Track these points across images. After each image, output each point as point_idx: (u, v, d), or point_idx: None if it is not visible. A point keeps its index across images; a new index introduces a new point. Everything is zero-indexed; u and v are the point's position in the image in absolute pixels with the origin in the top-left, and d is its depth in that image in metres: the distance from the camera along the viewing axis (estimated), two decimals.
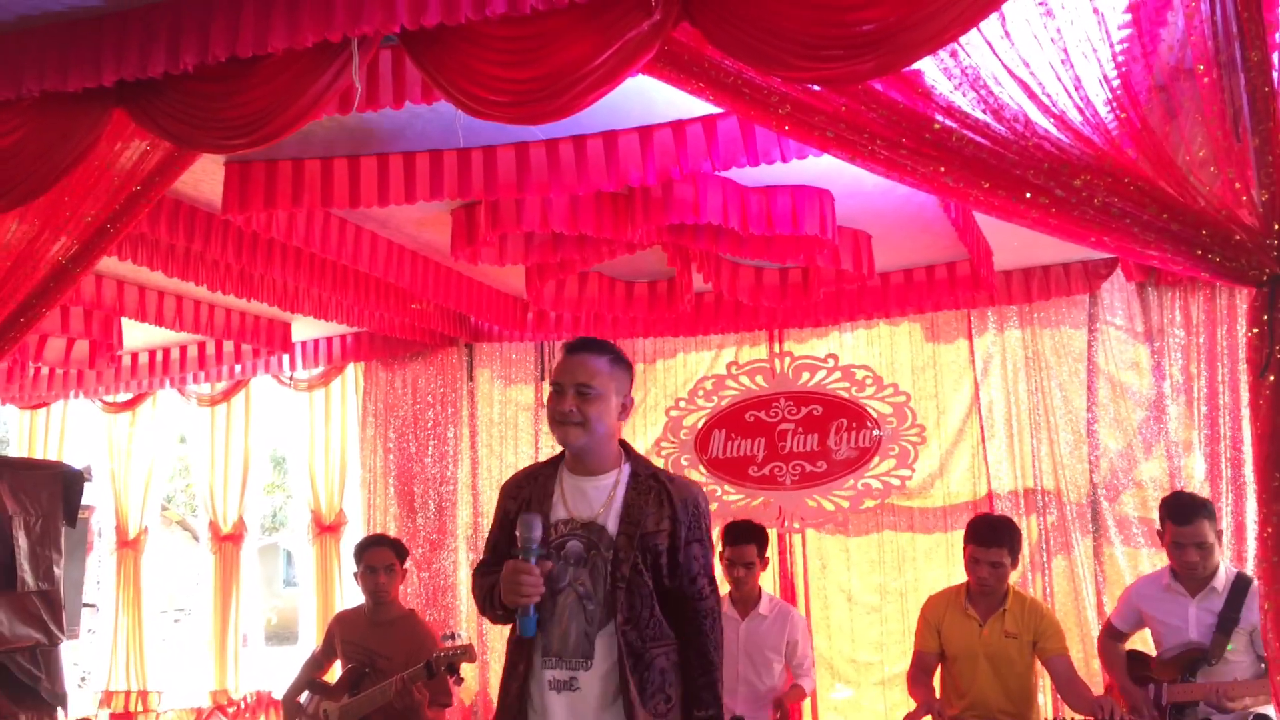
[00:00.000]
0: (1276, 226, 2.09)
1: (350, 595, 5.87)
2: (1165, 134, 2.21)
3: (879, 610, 5.53)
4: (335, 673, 4.55)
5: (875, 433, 5.50)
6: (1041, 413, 5.32)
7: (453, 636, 4.01)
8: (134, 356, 6.09)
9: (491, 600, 2.67)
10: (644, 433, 5.98)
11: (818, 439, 5.60)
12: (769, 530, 4.96)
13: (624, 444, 2.79)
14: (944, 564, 5.37)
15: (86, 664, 7.14)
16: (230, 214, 3.47)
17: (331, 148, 3.36)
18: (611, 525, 2.61)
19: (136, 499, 6.98)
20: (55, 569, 4.88)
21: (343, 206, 3.36)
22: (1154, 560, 4.96)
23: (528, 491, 2.76)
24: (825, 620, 5.57)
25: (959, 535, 4.29)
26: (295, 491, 6.80)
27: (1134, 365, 5.21)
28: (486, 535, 2.94)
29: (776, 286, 4.76)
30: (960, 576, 4.23)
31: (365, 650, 4.36)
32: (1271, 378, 2.09)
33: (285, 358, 6.08)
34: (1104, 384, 5.24)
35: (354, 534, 6.35)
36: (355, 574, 4.47)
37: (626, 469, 2.70)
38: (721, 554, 4.66)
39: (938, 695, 4.24)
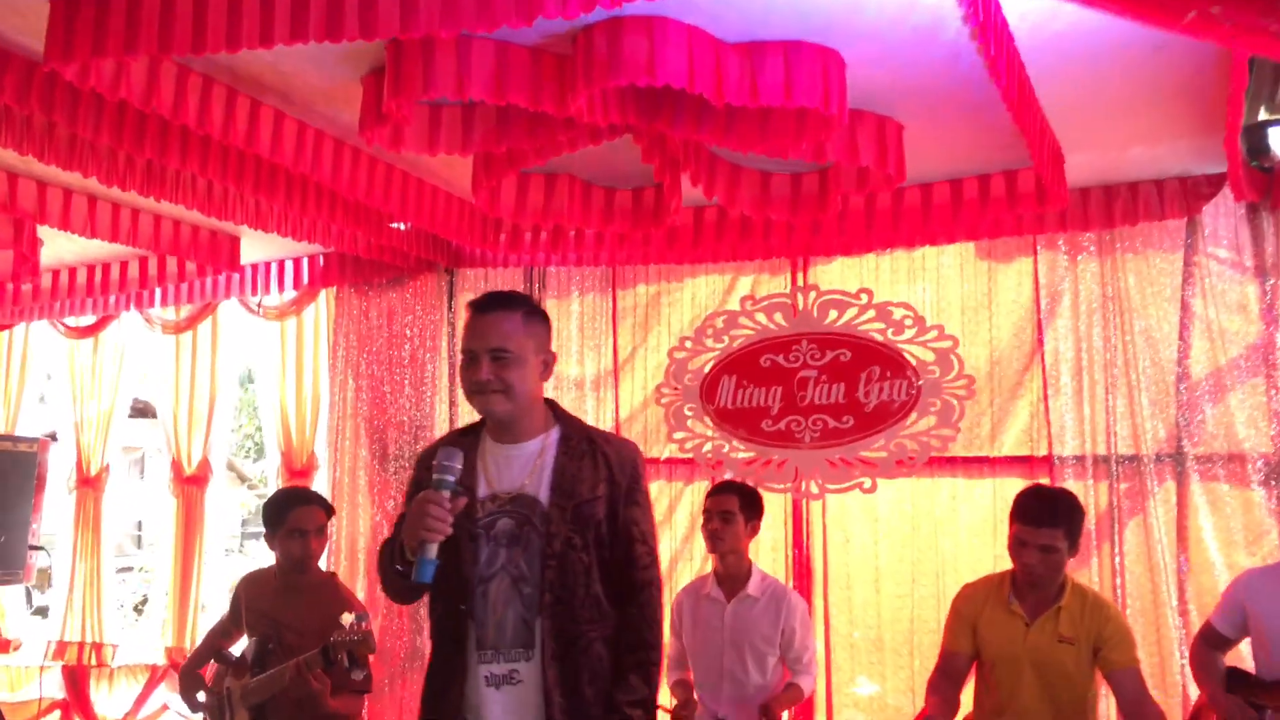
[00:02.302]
0: None
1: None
2: None
3: (910, 594, 4.65)
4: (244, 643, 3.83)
5: (915, 383, 4.58)
6: (1120, 364, 4.35)
7: (358, 618, 3.24)
8: (71, 274, 5.43)
9: (394, 557, 2.32)
10: (643, 376, 5.15)
11: (844, 389, 4.70)
12: (778, 494, 4.14)
13: (551, 404, 2.53)
14: (990, 542, 4.46)
15: (50, 612, 6.61)
16: (54, 64, 2.69)
17: None
18: (544, 496, 2.37)
19: (96, 432, 6.38)
20: None
21: (184, 52, 2.55)
22: (1255, 551, 3.99)
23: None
24: (847, 603, 4.70)
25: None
26: (266, 432, 6.07)
27: (1239, 307, 4.20)
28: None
29: (788, 196, 3.84)
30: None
31: (271, 620, 3.63)
32: None
33: (246, 280, 5.36)
34: (1199, 329, 4.23)
35: (322, 481, 5.65)
36: (270, 537, 3.69)
37: (556, 432, 2.46)
38: (703, 510, 3.93)
39: (965, 708, 3.37)
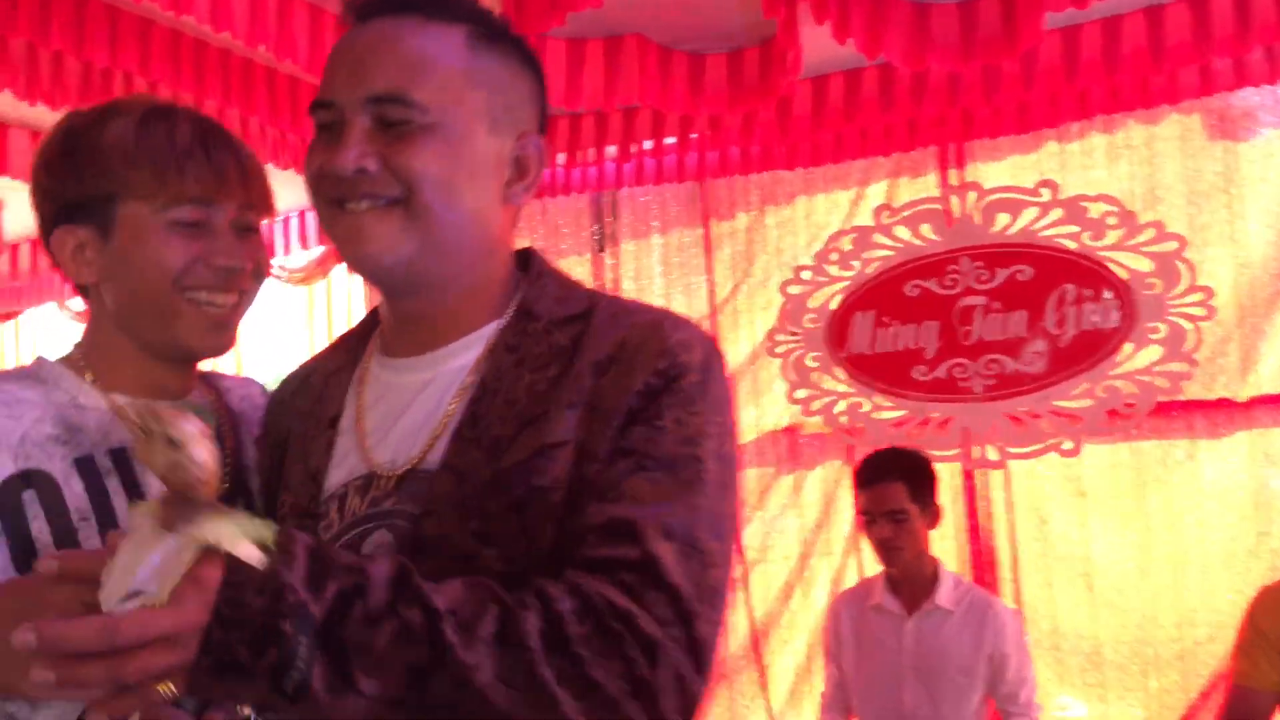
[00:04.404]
0: None
1: None
2: None
3: (1136, 590, 3.43)
4: None
5: (1129, 302, 3.33)
6: None
7: None
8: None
9: None
10: (749, 319, 4.01)
11: (1026, 319, 3.48)
12: (941, 463, 3.00)
13: (530, 261, 1.12)
14: (1251, 516, 3.23)
15: None
16: None
17: None
18: (439, 461, 1.01)
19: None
20: None
21: None
22: None
23: (286, 424, 1.17)
24: (1048, 604, 3.52)
25: None
26: None
27: None
28: None
29: (956, 35, 2.63)
30: None
31: None
32: None
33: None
34: None
35: None
36: None
37: (506, 319, 1.06)
38: (857, 509, 2.78)
39: None
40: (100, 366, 1.18)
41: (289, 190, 3.73)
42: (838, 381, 3.74)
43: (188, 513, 0.78)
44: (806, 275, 3.81)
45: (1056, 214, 3.45)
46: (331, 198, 1.01)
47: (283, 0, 2.56)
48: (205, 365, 1.28)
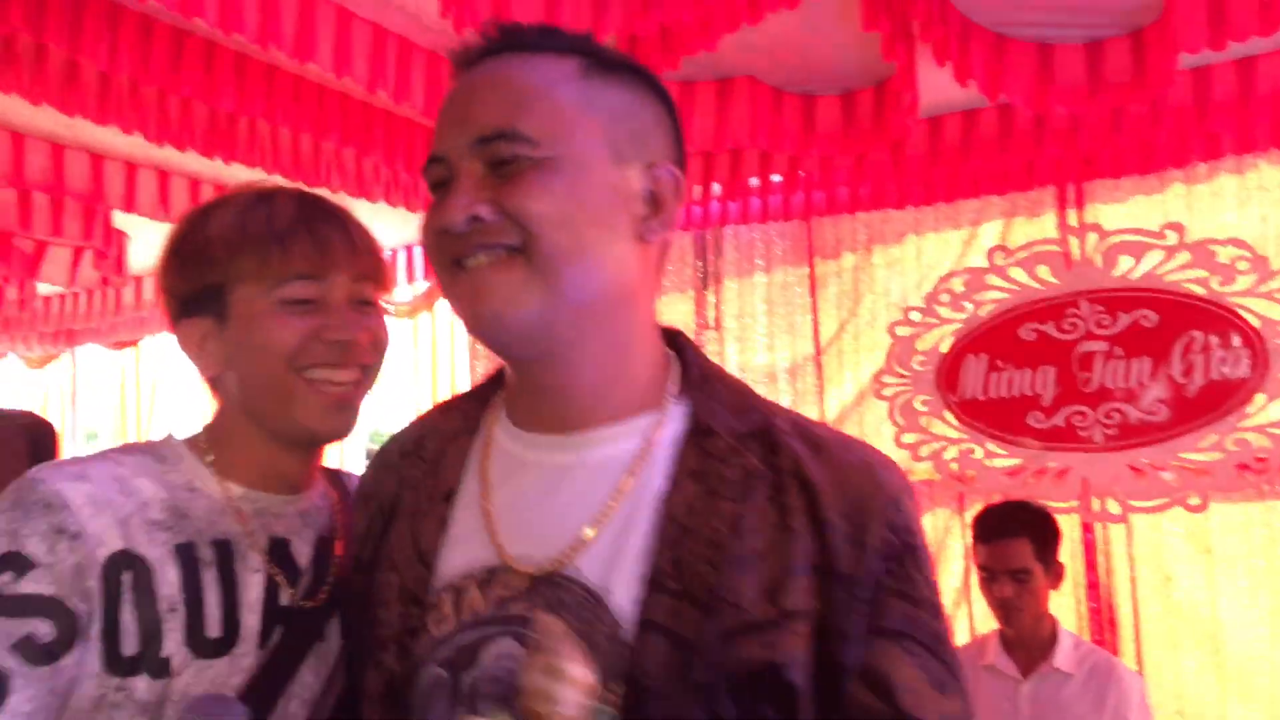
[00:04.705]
0: None
1: None
2: None
3: (1267, 657, 3.22)
4: None
5: (1261, 351, 3.16)
6: None
7: None
8: None
9: None
10: (854, 360, 3.92)
11: (1150, 366, 3.33)
12: (1057, 515, 2.87)
13: (674, 340, 1.01)
14: None
15: None
16: None
17: None
18: (623, 594, 0.86)
19: None
20: None
21: None
22: None
23: (393, 490, 1.04)
24: (1172, 670, 3.31)
25: None
26: None
27: None
28: None
29: (1081, 77, 2.54)
30: None
31: None
32: None
33: None
34: None
35: None
36: None
37: (677, 410, 0.95)
38: (976, 563, 2.65)
39: None
40: (222, 450, 1.16)
41: (397, 226, 3.83)
42: (948, 426, 3.63)
43: None
44: (916, 316, 3.72)
45: (1183, 258, 3.30)
46: (448, 257, 0.91)
47: (402, 47, 2.61)
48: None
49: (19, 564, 0.98)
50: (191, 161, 3.45)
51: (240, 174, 3.52)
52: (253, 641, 1.09)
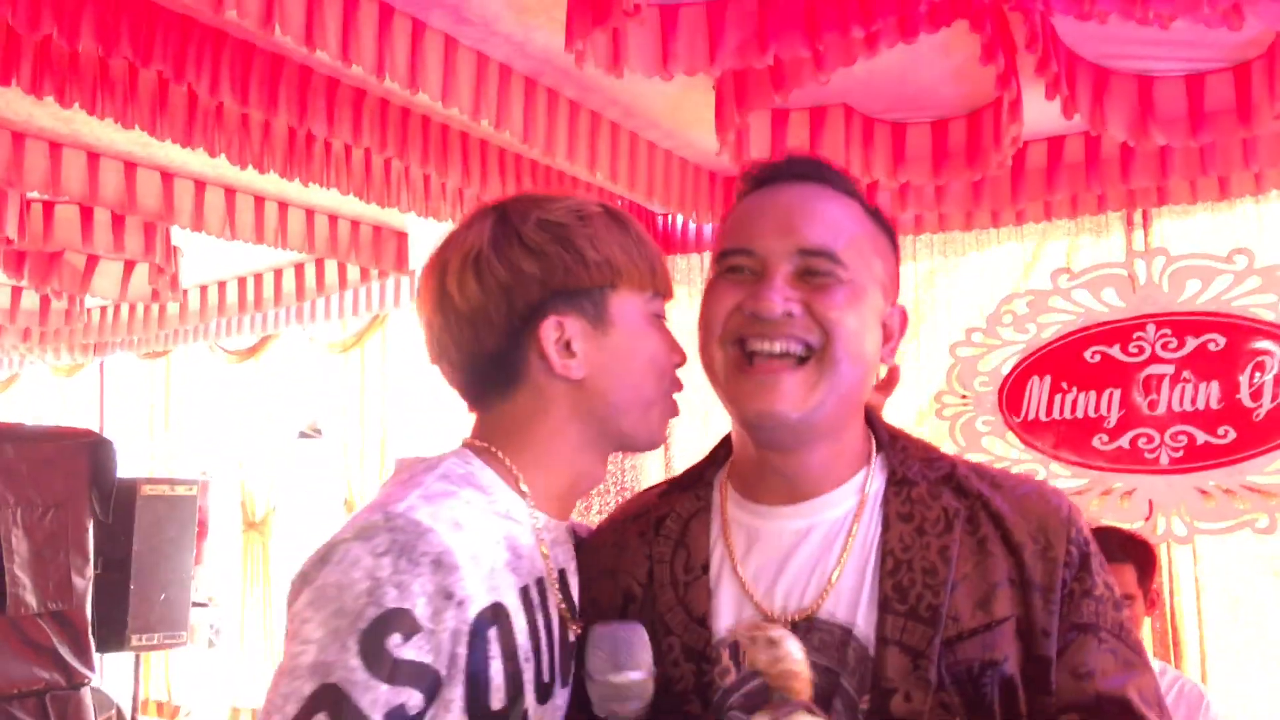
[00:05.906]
0: None
1: None
2: None
3: None
4: None
5: None
6: None
7: None
8: (221, 289, 4.67)
9: None
10: (916, 380, 3.94)
11: (1218, 389, 3.36)
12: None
13: (870, 419, 1.20)
14: None
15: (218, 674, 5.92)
16: None
17: None
18: (863, 621, 1.06)
19: (263, 469, 5.66)
20: (78, 579, 3.48)
21: None
22: None
23: (642, 567, 1.15)
24: (1240, 692, 3.36)
25: None
26: None
27: None
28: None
29: (1181, 110, 2.56)
30: None
31: None
32: None
33: (405, 282, 4.45)
34: None
35: None
36: None
37: (880, 477, 1.14)
38: None
39: None
40: (533, 472, 1.10)
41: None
42: (1010, 447, 3.66)
43: (786, 711, 0.87)
44: (978, 337, 3.74)
45: (1253, 282, 3.34)
46: (740, 337, 1.09)
47: (502, 75, 2.61)
48: None
49: (406, 625, 0.94)
50: (258, 180, 3.46)
51: (315, 194, 3.52)
52: (561, 682, 1.08)
